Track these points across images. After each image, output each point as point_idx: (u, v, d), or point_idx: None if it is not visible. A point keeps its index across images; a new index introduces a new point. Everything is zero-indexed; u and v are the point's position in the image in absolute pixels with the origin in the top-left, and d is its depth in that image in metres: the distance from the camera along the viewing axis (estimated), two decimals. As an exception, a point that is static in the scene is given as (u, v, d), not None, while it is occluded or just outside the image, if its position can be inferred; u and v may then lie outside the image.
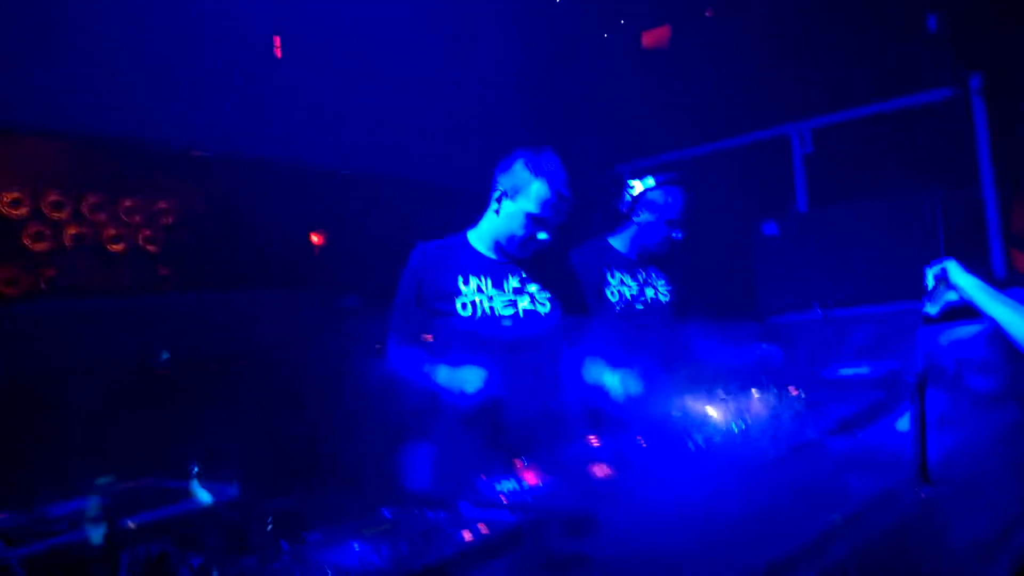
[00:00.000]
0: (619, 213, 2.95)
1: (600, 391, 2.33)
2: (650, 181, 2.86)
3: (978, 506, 1.22)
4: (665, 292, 2.93)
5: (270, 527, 1.47)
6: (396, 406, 2.38)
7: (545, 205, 2.25)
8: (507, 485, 1.83)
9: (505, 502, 1.71)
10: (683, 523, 1.40)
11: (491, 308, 2.29)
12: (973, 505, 1.24)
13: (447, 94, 4.34)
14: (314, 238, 4.05)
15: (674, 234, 2.83)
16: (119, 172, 3.26)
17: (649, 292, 2.88)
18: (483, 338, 2.26)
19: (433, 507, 1.68)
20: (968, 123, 4.48)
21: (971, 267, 4.22)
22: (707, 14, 6.71)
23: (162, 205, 3.35)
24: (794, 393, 2.65)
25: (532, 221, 2.27)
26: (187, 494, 1.80)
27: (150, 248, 3.30)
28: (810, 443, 1.91)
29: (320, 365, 3.07)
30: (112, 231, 3.23)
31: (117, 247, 3.23)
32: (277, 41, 3.49)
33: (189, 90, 3.24)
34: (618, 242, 2.93)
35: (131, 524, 1.58)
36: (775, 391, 2.52)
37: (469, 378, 2.10)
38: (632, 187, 2.89)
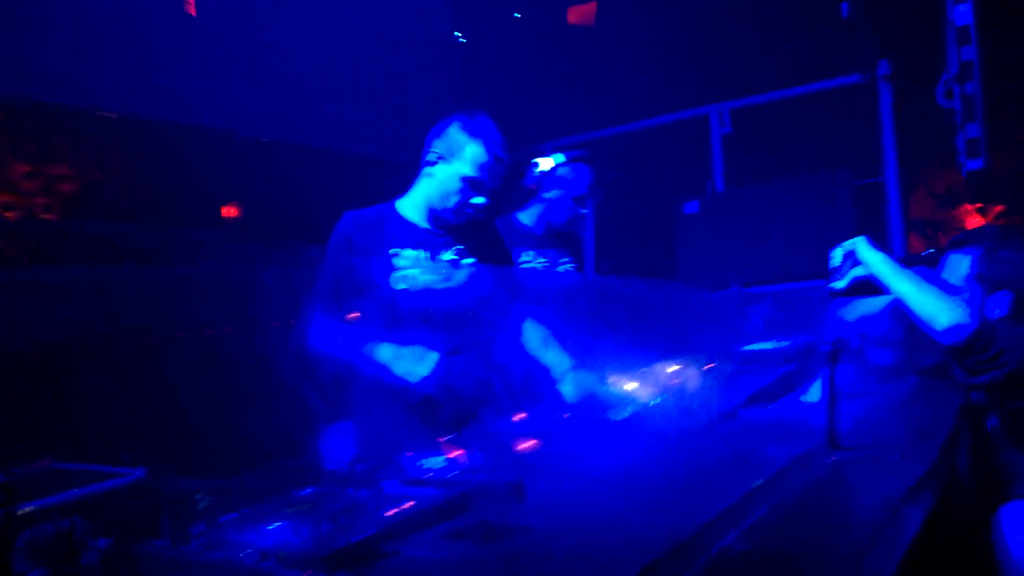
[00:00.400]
0: (525, 190, 2.94)
1: (535, 364, 2.33)
2: (560, 157, 2.86)
3: (884, 469, 1.29)
4: (571, 269, 2.96)
5: (202, 505, 1.41)
6: (317, 383, 2.32)
7: (482, 168, 2.21)
8: (432, 461, 1.81)
9: (431, 477, 1.70)
10: (609, 492, 1.42)
11: (427, 282, 2.26)
12: (879, 468, 1.31)
13: (371, 63, 4.23)
14: (230, 209, 3.90)
15: (581, 210, 2.85)
16: (13, 135, 3.04)
17: (558, 269, 2.91)
18: (418, 313, 2.23)
19: (356, 485, 1.65)
20: (874, 108, 4.66)
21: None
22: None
23: (61, 171, 3.15)
24: (712, 367, 2.74)
25: (468, 184, 2.22)
26: (93, 477, 1.72)
27: (47, 217, 3.10)
28: (728, 414, 1.96)
29: (236, 341, 2.96)
30: (5, 198, 3.02)
31: (10, 215, 3.03)
32: (191, -1, 3.32)
33: (93, 45, 3.04)
34: (526, 219, 2.93)
35: (29, 508, 1.49)
36: (696, 365, 2.59)
37: (419, 361, 2.06)
38: (539, 164, 2.89)
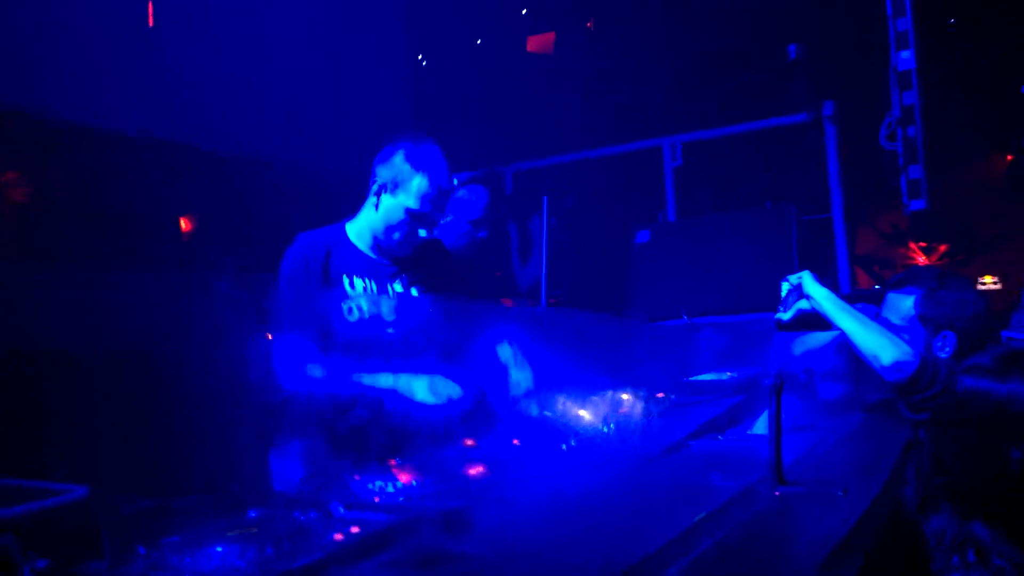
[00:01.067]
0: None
1: (487, 390, 2.32)
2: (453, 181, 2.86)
3: (827, 504, 1.32)
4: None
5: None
6: (266, 403, 2.29)
7: (425, 200, 2.20)
8: (381, 485, 1.80)
9: (378, 502, 1.68)
10: (555, 520, 1.43)
11: (376, 313, 2.25)
12: (823, 503, 1.34)
13: (329, 78, 4.23)
14: (183, 221, 3.84)
15: (479, 233, 2.84)
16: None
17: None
18: (368, 343, 2.21)
19: (303, 508, 1.63)
20: (820, 147, 4.83)
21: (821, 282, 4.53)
22: (588, 25, 6.93)
23: (11, 176, 3.06)
24: (660, 397, 2.78)
25: (412, 217, 2.21)
26: (32, 494, 1.65)
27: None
28: (675, 445, 1.99)
29: (184, 356, 2.90)
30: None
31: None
32: (150, 8, 3.27)
33: (50, 52, 2.97)
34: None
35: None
36: (644, 394, 2.62)
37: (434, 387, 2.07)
38: None
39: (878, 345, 1.98)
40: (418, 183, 2.19)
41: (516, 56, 6.69)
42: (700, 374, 2.77)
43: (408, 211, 2.20)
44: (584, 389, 2.62)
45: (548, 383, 2.63)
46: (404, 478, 1.83)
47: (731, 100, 5.81)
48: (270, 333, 2.27)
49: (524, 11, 6.56)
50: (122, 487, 1.73)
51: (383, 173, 2.24)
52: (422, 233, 2.25)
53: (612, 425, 2.29)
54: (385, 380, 2.12)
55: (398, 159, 2.22)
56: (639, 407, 2.52)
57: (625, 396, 2.62)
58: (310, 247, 2.24)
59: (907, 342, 2.02)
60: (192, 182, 3.62)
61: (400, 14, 5.07)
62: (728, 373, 2.69)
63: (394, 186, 2.21)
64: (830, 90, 4.98)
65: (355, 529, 1.45)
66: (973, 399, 1.84)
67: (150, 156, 3.33)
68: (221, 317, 2.86)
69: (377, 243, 2.29)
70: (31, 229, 3.08)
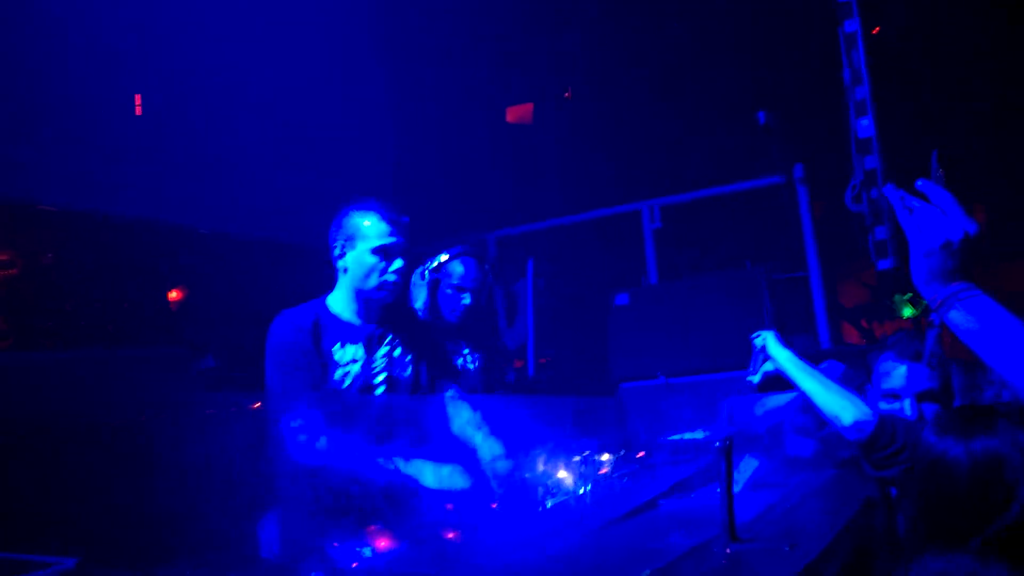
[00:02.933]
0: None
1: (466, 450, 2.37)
2: (443, 256, 2.98)
3: (777, 558, 1.38)
4: (473, 361, 3.03)
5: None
6: (248, 473, 2.34)
7: (384, 234, 2.28)
8: (359, 551, 1.85)
9: (355, 567, 1.73)
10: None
11: (366, 378, 2.32)
12: (772, 558, 1.40)
13: (312, 155, 4.37)
14: (172, 298, 3.93)
15: (464, 299, 2.94)
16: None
17: (459, 361, 2.99)
18: (362, 406, 2.28)
19: (282, 574, 1.68)
20: (794, 208, 4.98)
21: (800, 338, 4.64)
22: (566, 95, 7.19)
23: (2, 257, 3.16)
24: (639, 456, 2.84)
25: (380, 255, 2.28)
26: (21, 566, 1.70)
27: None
28: (645, 505, 2.05)
29: (173, 428, 2.94)
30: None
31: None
32: (138, 99, 3.43)
33: (41, 140, 3.11)
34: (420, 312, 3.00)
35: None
36: (620, 455, 2.69)
37: (441, 475, 2.14)
38: (431, 265, 2.99)
39: (838, 405, 2.05)
40: (370, 224, 2.29)
41: (497, 125, 6.91)
42: (676, 433, 2.84)
43: (373, 251, 2.28)
44: (562, 451, 2.69)
45: (526, 444, 2.70)
46: (382, 544, 1.89)
47: (709, 163, 6.00)
48: (271, 409, 2.30)
49: (503, 82, 6.81)
50: (111, 558, 1.78)
51: (339, 237, 2.33)
52: (396, 266, 2.31)
53: (588, 487, 2.35)
54: (395, 464, 2.18)
55: (345, 221, 2.33)
56: (615, 468, 2.59)
57: (602, 457, 2.68)
58: (298, 322, 2.30)
59: (870, 403, 2.09)
60: (181, 261, 3.73)
61: (382, 90, 5.27)
62: (702, 432, 2.76)
63: (351, 241, 2.31)
64: (804, 152, 5.17)
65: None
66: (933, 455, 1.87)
67: (140, 236, 3.44)
68: (207, 390, 2.92)
69: (363, 299, 2.35)
70: (21, 309, 3.16)
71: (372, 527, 1.94)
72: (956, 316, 1.23)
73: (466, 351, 3.00)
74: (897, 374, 2.12)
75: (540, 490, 2.25)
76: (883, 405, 2.10)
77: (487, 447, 2.30)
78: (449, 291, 2.94)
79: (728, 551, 1.44)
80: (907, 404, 2.08)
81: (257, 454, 2.35)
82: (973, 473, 1.34)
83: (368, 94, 5.08)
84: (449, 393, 2.49)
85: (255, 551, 2.28)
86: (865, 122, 3.92)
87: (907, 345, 2.12)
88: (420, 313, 2.96)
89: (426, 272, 2.97)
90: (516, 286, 6.00)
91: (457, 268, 2.95)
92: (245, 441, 2.47)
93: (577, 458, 2.63)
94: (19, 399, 2.67)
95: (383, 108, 5.26)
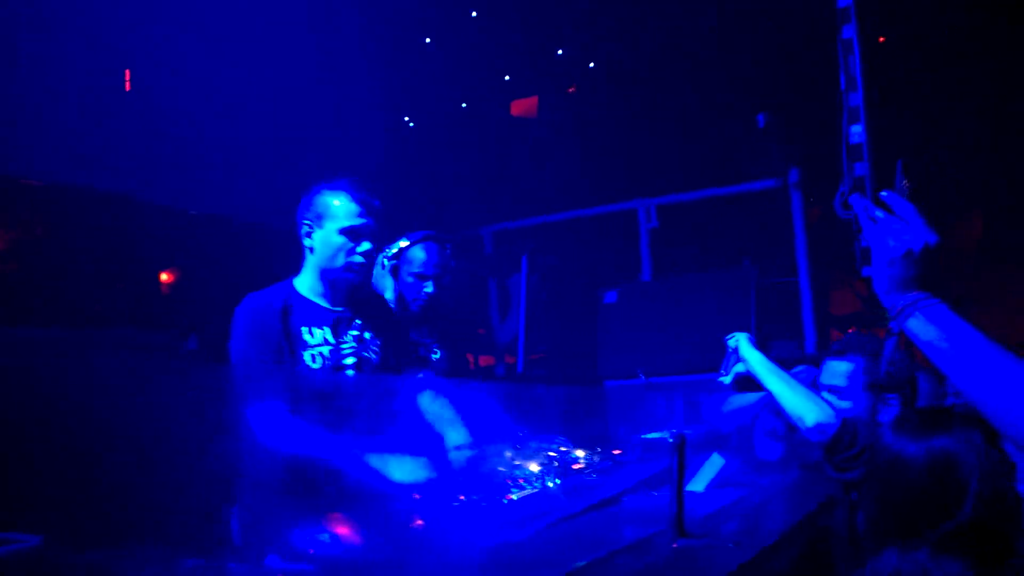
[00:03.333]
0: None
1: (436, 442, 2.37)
2: (404, 242, 2.88)
3: (719, 554, 1.40)
4: (437, 352, 2.96)
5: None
6: (217, 457, 2.35)
7: (354, 215, 2.25)
8: (320, 538, 1.86)
9: (312, 553, 1.75)
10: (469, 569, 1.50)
11: (335, 360, 2.31)
12: (715, 553, 1.41)
13: (309, 140, 4.37)
14: (163, 279, 3.95)
15: (425, 287, 2.86)
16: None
17: (423, 352, 2.92)
18: (332, 389, 2.28)
19: (240, 559, 1.69)
20: (788, 212, 4.98)
21: (784, 344, 4.62)
22: (570, 90, 7.19)
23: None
24: (616, 454, 2.85)
25: (348, 235, 2.25)
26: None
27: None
28: (608, 499, 2.07)
29: (146, 410, 2.97)
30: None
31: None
32: (128, 74, 3.44)
33: (32, 116, 3.12)
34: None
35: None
36: (597, 452, 2.70)
37: (408, 468, 2.12)
38: (391, 250, 2.89)
39: (802, 407, 2.07)
40: (339, 204, 2.26)
41: (497, 119, 6.91)
42: (651, 432, 2.85)
43: (341, 231, 2.25)
44: (535, 445, 2.70)
45: (498, 437, 2.71)
46: (343, 531, 1.90)
47: (706, 165, 5.99)
48: (240, 394, 2.30)
49: (507, 76, 6.80)
50: (77, 538, 1.79)
51: (306, 219, 2.31)
52: (364, 247, 2.28)
53: (556, 480, 2.36)
54: (362, 455, 2.15)
55: (315, 199, 2.30)
56: (589, 464, 2.60)
57: (577, 453, 2.70)
58: (266, 305, 2.28)
59: (848, 409, 2.11)
60: (171, 241, 3.74)
61: (381, 78, 5.27)
62: (668, 431, 2.76)
63: (319, 219, 2.28)
64: (801, 156, 5.16)
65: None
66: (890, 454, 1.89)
67: (130, 215, 3.46)
68: (187, 374, 2.94)
69: (328, 281, 2.33)
70: (8, 286, 3.18)
71: (333, 515, 1.94)
72: (915, 324, 1.24)
73: (429, 342, 2.95)
74: (838, 371, 2.17)
75: (508, 482, 2.27)
76: (827, 396, 2.13)
77: (451, 435, 2.30)
78: (410, 279, 2.83)
79: (674, 545, 1.45)
80: (845, 401, 2.11)
81: (227, 437, 2.35)
82: (929, 472, 1.36)
83: (365, 82, 5.08)
84: (418, 376, 2.49)
85: (222, 534, 2.29)
86: (857, 128, 3.90)
87: (857, 344, 2.14)
88: (389, 302, 2.91)
89: (385, 260, 2.88)
90: (510, 281, 6.01)
91: (418, 254, 2.85)
92: (217, 424, 2.47)
93: (551, 453, 2.65)
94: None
95: (379, 96, 5.27)
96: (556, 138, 6.62)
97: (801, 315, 4.78)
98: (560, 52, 6.73)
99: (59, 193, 3.26)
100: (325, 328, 2.32)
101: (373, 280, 2.84)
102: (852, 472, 2.03)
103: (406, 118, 6.15)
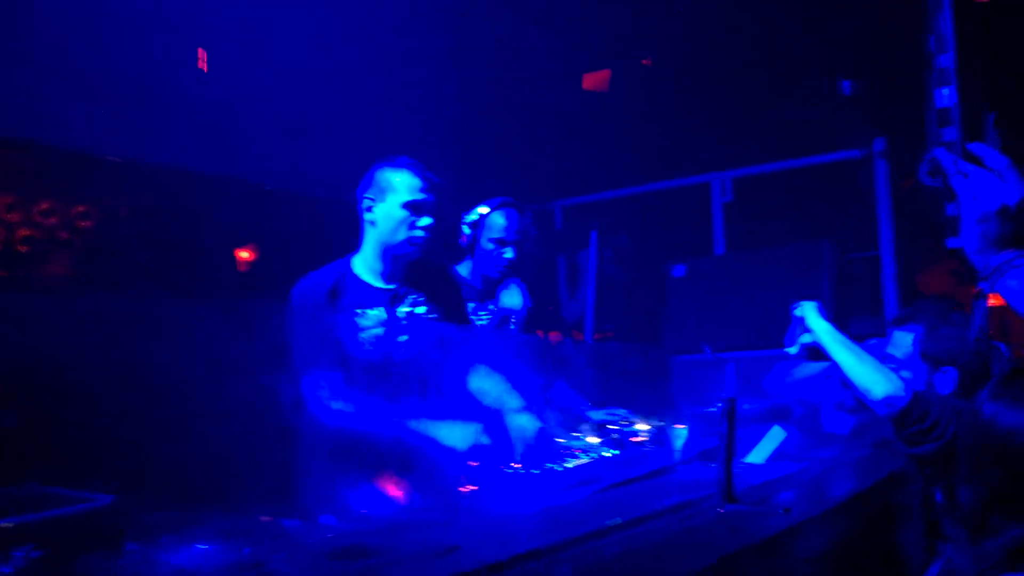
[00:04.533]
0: (461, 248, 2.95)
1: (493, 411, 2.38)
2: (484, 208, 2.87)
3: (768, 520, 1.35)
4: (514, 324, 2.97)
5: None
6: (278, 422, 2.42)
7: (417, 190, 2.30)
8: (373, 500, 1.90)
9: (364, 514, 1.79)
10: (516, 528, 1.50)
11: (389, 338, 2.35)
12: (763, 519, 1.37)
13: (381, 116, 4.40)
14: (243, 253, 4.07)
15: (505, 253, 2.84)
16: (36, 175, 3.27)
17: (502, 320, 2.94)
18: (384, 368, 2.32)
19: (293, 516, 1.74)
20: (871, 184, 4.75)
21: (866, 320, 4.43)
22: (645, 63, 7.02)
23: (80, 209, 3.36)
24: (679, 427, 2.80)
25: (411, 209, 2.30)
26: (66, 501, 1.83)
27: (65, 250, 3.30)
28: (662, 469, 2.03)
29: (221, 380, 3.08)
30: (25, 232, 3.23)
31: (27, 248, 3.23)
32: (201, 54, 3.54)
33: (113, 96, 3.26)
34: (464, 271, 2.93)
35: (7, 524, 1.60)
36: (660, 425, 2.66)
37: (461, 435, 2.14)
38: (471, 216, 2.90)
39: (871, 378, 1.97)
40: (402, 178, 2.31)
41: (569, 92, 6.83)
42: (713, 404, 2.78)
43: (404, 205, 2.30)
44: (596, 416, 2.68)
45: (563, 406, 2.70)
46: (396, 494, 1.94)
47: (783, 135, 5.77)
48: (294, 371, 2.36)
49: (578, 47, 6.70)
50: (147, 499, 1.89)
51: (368, 194, 2.36)
52: (424, 222, 2.32)
53: (614, 451, 2.34)
54: (416, 423, 2.20)
55: (377, 175, 2.35)
56: (650, 435, 2.56)
57: (637, 425, 2.66)
58: (319, 286, 2.34)
59: (908, 379, 2.01)
60: (251, 216, 3.85)
61: (450, 51, 5.26)
62: (745, 405, 2.69)
63: (381, 194, 2.33)
64: (884, 125, 4.91)
65: (329, 535, 1.55)
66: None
67: (212, 191, 3.58)
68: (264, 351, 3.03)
69: (390, 256, 2.37)
70: (97, 259, 3.35)
71: (387, 478, 1.98)
72: (1013, 283, 1.16)
73: (485, 313, 2.95)
74: (902, 341, 2.06)
75: (564, 452, 2.26)
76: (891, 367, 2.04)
77: (510, 401, 2.29)
78: (490, 245, 2.85)
79: (720, 510, 1.41)
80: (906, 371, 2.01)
81: (290, 412, 2.42)
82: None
83: (435, 55, 5.09)
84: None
85: (283, 498, 2.37)
86: (946, 92, 3.69)
87: (919, 312, 2.03)
88: (462, 276, 2.92)
89: (464, 227, 2.91)
90: (580, 257, 5.95)
91: (498, 220, 2.85)
92: (284, 395, 2.54)
93: (611, 425, 2.63)
94: (85, 343, 2.85)
95: (449, 69, 5.26)
96: (629, 111, 6.49)
97: (883, 291, 4.57)
98: (634, 24, 6.59)
99: (138, 170, 3.41)
100: (379, 308, 2.35)
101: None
102: (924, 447, 1.93)
103: (475, 92, 6.14)
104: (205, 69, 3.54)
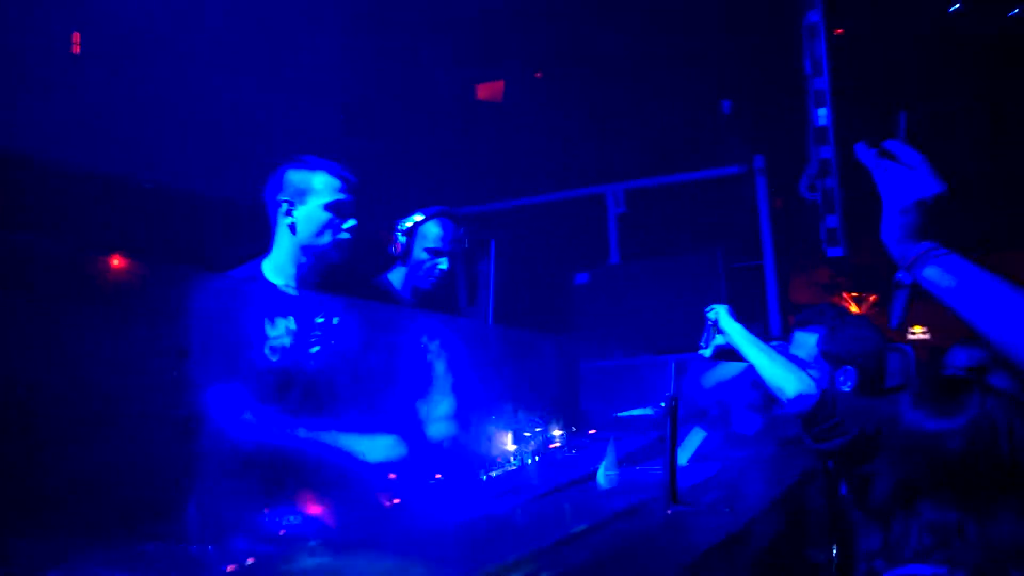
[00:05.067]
0: (391, 256, 2.87)
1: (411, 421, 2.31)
2: (419, 216, 2.79)
3: (723, 517, 1.36)
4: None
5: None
6: (187, 439, 2.24)
7: (336, 190, 2.20)
8: (289, 518, 1.78)
9: (283, 534, 1.67)
10: (442, 541, 1.44)
11: (299, 349, 2.22)
12: (711, 518, 1.38)
13: (262, 116, 4.20)
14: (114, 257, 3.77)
15: (440, 263, 2.77)
16: None
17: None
18: (292, 379, 2.19)
19: (204, 541, 1.60)
20: (753, 198, 5.00)
21: (752, 326, 4.64)
22: (537, 76, 7.13)
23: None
24: (591, 433, 2.82)
25: (334, 212, 2.20)
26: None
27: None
28: (589, 475, 2.02)
29: (102, 388, 2.83)
30: None
31: None
32: (76, 38, 3.26)
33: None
34: (396, 281, 2.83)
35: None
36: (573, 431, 2.66)
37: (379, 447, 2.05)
38: (403, 225, 2.81)
39: (783, 379, 2.05)
40: (321, 179, 2.20)
41: (464, 101, 6.82)
42: (627, 409, 2.81)
43: (326, 207, 2.19)
44: (515, 423, 2.65)
45: (479, 415, 2.64)
46: (315, 511, 1.82)
47: (674, 150, 6.00)
48: (199, 381, 2.19)
49: (473, 58, 6.72)
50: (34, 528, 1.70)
51: (283, 197, 2.22)
52: (349, 225, 2.22)
53: (535, 458, 2.31)
54: (330, 436, 2.09)
55: (290, 176, 2.22)
56: (566, 443, 2.56)
57: (554, 432, 2.65)
58: (224, 290, 2.18)
59: (816, 377, 2.10)
60: (130, 215, 3.57)
61: (343, 58, 5.13)
62: (651, 409, 2.73)
63: (300, 196, 2.20)
64: (764, 143, 5.19)
65: (250, 561, 1.43)
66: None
67: (78, 187, 3.29)
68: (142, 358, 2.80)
69: (303, 270, 2.24)
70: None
71: (303, 496, 1.86)
72: (932, 273, 1.22)
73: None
74: (806, 342, 2.17)
75: (485, 460, 2.21)
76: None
77: (435, 406, 2.23)
78: (424, 255, 2.74)
79: (668, 512, 1.41)
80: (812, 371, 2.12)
81: (187, 427, 2.24)
82: (971, 442, 1.37)
83: (329, 62, 4.94)
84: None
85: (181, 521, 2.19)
86: (822, 112, 3.94)
87: (819, 315, 2.15)
88: (391, 286, 2.79)
89: (399, 235, 2.80)
90: (478, 266, 5.94)
91: (433, 229, 2.74)
92: (174, 409, 2.35)
93: (527, 432, 2.60)
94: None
95: (344, 78, 5.13)
96: (523, 123, 6.57)
97: (766, 300, 4.81)
98: (526, 37, 6.67)
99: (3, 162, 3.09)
100: (290, 316, 2.21)
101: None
102: (830, 443, 2.02)
103: (367, 100, 6.03)
104: (78, 52, 3.25)
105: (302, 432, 2.09)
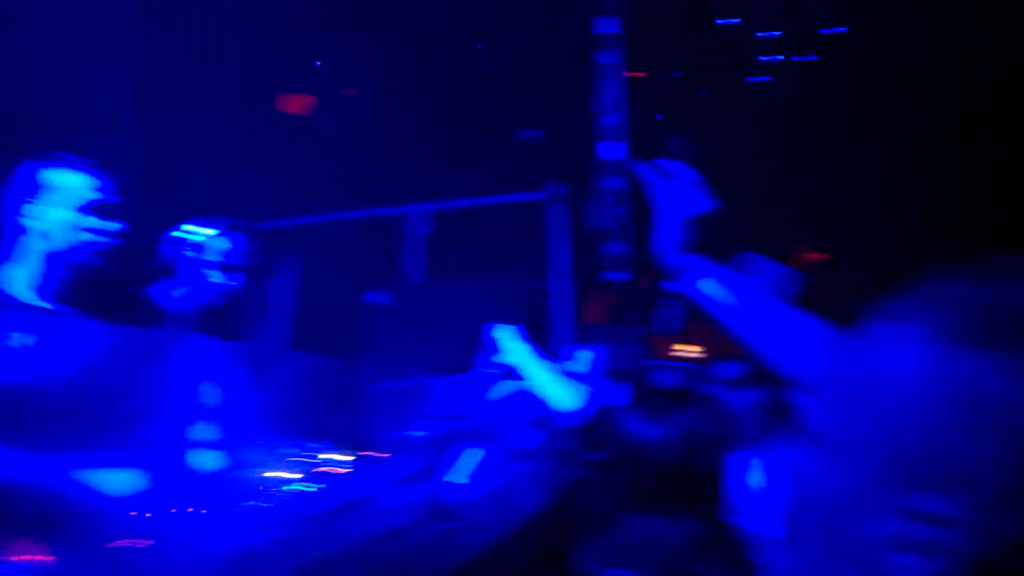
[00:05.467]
0: (163, 268, 2.68)
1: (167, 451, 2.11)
2: (208, 229, 2.65)
3: (477, 534, 1.37)
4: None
5: None
6: None
7: (95, 190, 2.01)
8: (8, 570, 1.56)
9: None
10: None
11: (42, 369, 1.95)
12: (473, 534, 1.38)
13: (55, 120, 3.81)
14: None
15: (230, 279, 2.62)
16: None
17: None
18: (23, 400, 1.92)
19: None
20: (552, 224, 5.23)
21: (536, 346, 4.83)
22: (347, 93, 7.03)
23: None
24: (372, 455, 2.75)
25: (87, 211, 1.99)
26: None
27: None
28: (362, 498, 1.97)
29: None
30: None
31: None
32: None
33: None
34: (177, 296, 2.67)
35: None
36: (350, 452, 2.59)
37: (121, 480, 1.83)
38: (187, 236, 2.67)
39: (560, 394, 2.13)
40: (74, 179, 2.00)
41: (267, 116, 6.58)
42: (412, 430, 2.78)
43: (81, 208, 1.98)
44: (287, 447, 2.52)
45: (251, 442, 2.49)
46: (34, 557, 1.60)
47: (480, 176, 6.13)
48: None
49: (279, 72, 6.52)
50: None
51: (27, 195, 1.98)
52: (112, 225, 2.02)
53: (306, 484, 2.21)
54: (65, 469, 1.85)
55: (37, 175, 2.00)
56: (343, 464, 2.48)
57: (332, 456, 2.57)
58: None
59: (591, 392, 2.19)
60: None
61: (142, 60, 4.77)
62: (424, 430, 2.73)
63: (48, 196, 1.98)
64: (562, 173, 5.44)
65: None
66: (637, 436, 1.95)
67: None
68: None
69: (49, 281, 1.99)
70: None
71: (25, 540, 1.63)
72: (708, 286, 1.26)
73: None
74: (582, 359, 2.29)
75: (250, 488, 2.07)
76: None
77: (198, 431, 2.04)
78: (211, 271, 2.54)
79: (429, 531, 1.39)
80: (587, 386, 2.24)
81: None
82: (683, 450, 1.45)
83: (120, 67, 4.56)
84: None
85: None
86: (612, 145, 4.20)
87: (597, 335, 2.28)
88: (171, 300, 2.55)
89: (177, 245, 2.55)
90: (266, 284, 5.68)
91: (224, 244, 2.56)
92: None
93: (303, 457, 2.49)
94: None
95: (139, 84, 4.75)
96: (328, 139, 6.43)
97: (551, 320, 5.02)
98: (333, 55, 6.58)
99: None
100: (29, 330, 1.95)
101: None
102: (602, 453, 2.11)
103: (164, 106, 5.62)
104: None
105: (32, 464, 1.84)
